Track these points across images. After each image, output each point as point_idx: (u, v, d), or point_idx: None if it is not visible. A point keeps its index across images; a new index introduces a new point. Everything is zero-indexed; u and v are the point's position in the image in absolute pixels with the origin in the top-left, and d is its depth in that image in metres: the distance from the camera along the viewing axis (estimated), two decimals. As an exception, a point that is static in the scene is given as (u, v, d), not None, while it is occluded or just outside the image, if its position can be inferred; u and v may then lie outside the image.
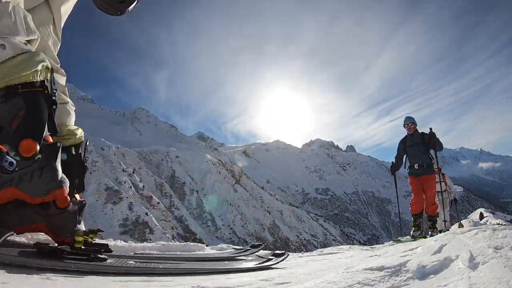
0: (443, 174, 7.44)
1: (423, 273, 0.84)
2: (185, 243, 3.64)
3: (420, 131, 5.68)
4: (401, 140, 5.76)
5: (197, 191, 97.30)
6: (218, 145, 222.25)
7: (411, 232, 5.58)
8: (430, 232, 5.52)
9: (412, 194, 5.57)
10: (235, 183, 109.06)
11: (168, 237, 67.25)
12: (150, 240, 60.99)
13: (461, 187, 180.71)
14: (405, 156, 5.73)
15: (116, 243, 2.84)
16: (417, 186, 5.44)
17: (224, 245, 4.03)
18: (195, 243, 3.69)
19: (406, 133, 5.68)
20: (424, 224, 6.95)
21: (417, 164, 5.40)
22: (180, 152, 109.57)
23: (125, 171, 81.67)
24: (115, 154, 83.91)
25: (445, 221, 7.41)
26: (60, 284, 0.90)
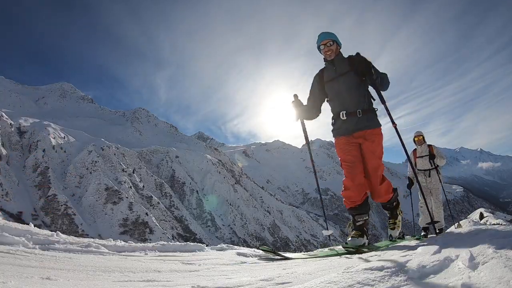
0: (429, 146, 5.51)
1: (423, 273, 0.83)
2: (185, 243, 3.64)
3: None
4: (316, 75, 3.13)
5: (197, 191, 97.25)
6: (218, 145, 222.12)
7: (348, 238, 2.95)
8: (389, 233, 3.36)
9: (344, 171, 2.98)
10: (235, 183, 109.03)
11: (168, 237, 67.21)
12: (150, 240, 60.97)
13: (461, 187, 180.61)
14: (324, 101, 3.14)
15: (116, 243, 2.84)
16: (350, 152, 2.92)
17: (224, 245, 4.02)
18: (195, 243, 3.69)
19: (324, 62, 3.08)
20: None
21: (344, 112, 2.87)
22: (180, 152, 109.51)
23: (125, 171, 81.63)
24: (115, 154, 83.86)
25: (431, 218, 4.37)
26: (60, 284, 0.90)
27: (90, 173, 74.74)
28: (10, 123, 77.82)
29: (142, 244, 3.05)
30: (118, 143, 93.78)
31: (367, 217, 3.01)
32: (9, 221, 2.03)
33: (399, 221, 3.32)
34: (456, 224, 7.50)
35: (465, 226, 4.74)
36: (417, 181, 4.35)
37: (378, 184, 2.98)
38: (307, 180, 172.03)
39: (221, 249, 3.74)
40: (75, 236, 2.11)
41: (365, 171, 2.97)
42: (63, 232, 1.96)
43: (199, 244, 3.68)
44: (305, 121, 3.21)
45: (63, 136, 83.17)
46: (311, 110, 3.13)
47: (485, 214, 12.85)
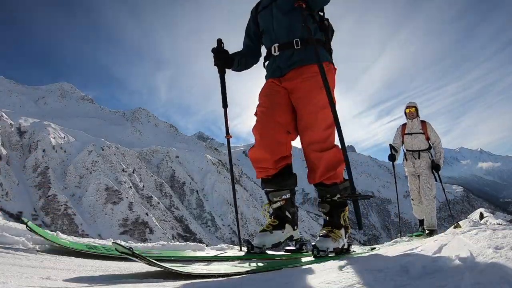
0: (423, 122, 4.36)
1: (423, 273, 0.83)
2: (185, 243, 3.64)
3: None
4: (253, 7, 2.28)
5: (197, 191, 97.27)
6: (218, 145, 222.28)
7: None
8: (314, 243, 1.87)
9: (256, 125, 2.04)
10: (235, 183, 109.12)
11: (168, 237, 67.22)
12: (150, 240, 60.97)
13: (461, 187, 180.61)
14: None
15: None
16: (271, 96, 2.03)
17: (224, 245, 4.03)
18: (195, 243, 3.69)
19: None
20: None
21: (277, 45, 2.00)
22: (180, 152, 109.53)
23: (125, 171, 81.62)
24: (115, 154, 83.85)
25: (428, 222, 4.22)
26: (60, 284, 0.89)
27: (90, 173, 74.71)
28: (10, 123, 77.81)
29: (142, 244, 3.05)
30: (118, 143, 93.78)
31: (288, 195, 2.04)
32: (9, 221, 2.03)
33: (340, 235, 1.94)
34: (455, 224, 7.45)
35: (464, 226, 4.51)
36: (397, 158, 3.77)
37: (314, 148, 1.93)
38: (307, 180, 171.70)
39: (221, 249, 3.74)
40: (75, 236, 2.11)
41: (299, 128, 2.01)
42: (63, 232, 1.96)
43: (199, 244, 3.68)
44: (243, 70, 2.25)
45: (63, 136, 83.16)
46: (247, 55, 2.19)
47: (485, 214, 12.84)
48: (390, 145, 4.51)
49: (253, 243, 1.98)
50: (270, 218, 2.13)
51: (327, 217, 2.05)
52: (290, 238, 2.14)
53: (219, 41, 2.09)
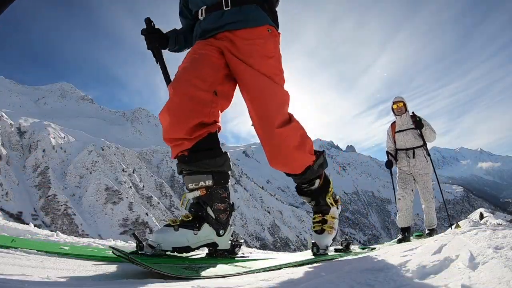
0: (413, 115, 4.03)
1: (423, 273, 0.83)
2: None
3: None
4: None
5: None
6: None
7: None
8: (312, 240, 1.74)
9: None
10: (235, 183, 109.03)
11: (168, 237, 67.33)
12: (150, 240, 61.01)
13: (461, 187, 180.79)
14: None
15: (116, 243, 2.85)
16: (201, 51, 1.56)
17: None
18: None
19: None
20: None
21: (204, 8, 1.61)
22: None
23: (125, 171, 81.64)
24: (115, 154, 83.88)
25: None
26: (60, 284, 0.90)
27: (90, 173, 74.74)
28: (10, 123, 77.87)
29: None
30: (118, 143, 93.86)
31: (210, 182, 1.45)
32: (9, 221, 2.04)
33: (332, 217, 1.75)
34: (454, 225, 7.41)
35: (464, 226, 4.42)
36: (395, 164, 3.81)
37: (270, 124, 1.49)
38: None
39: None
40: (75, 236, 2.11)
41: (246, 101, 1.56)
42: (63, 232, 1.96)
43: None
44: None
45: (63, 136, 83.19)
46: (186, 31, 1.79)
47: (485, 214, 12.84)
48: (387, 152, 4.23)
49: (149, 240, 1.37)
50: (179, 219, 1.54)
51: (313, 205, 1.81)
52: (213, 246, 1.48)
53: (148, 21, 1.70)
